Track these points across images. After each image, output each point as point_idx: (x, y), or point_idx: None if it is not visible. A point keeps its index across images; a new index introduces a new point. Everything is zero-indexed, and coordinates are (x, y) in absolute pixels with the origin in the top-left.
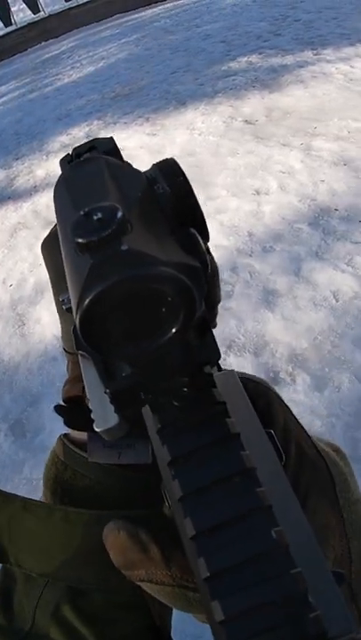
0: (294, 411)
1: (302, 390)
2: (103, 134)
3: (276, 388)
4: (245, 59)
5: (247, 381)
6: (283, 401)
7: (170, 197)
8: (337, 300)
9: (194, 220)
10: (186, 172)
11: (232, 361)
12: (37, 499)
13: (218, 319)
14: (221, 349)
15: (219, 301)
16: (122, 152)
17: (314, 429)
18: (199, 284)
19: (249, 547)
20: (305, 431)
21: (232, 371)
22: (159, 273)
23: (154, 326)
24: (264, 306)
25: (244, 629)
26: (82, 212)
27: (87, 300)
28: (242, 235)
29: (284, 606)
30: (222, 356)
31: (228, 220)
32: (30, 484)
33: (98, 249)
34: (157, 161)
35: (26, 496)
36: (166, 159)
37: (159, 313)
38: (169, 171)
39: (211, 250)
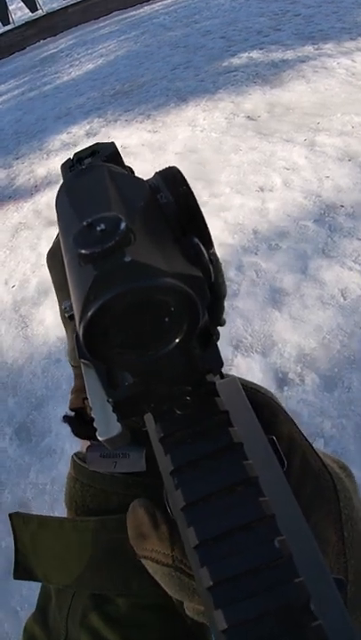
0: (304, 412)
1: (312, 391)
2: (104, 132)
3: (285, 389)
4: (246, 54)
5: (251, 391)
6: (287, 412)
7: (173, 207)
8: (345, 299)
9: (196, 229)
10: (188, 171)
11: (240, 361)
12: (44, 501)
13: (225, 319)
14: (229, 349)
15: (224, 296)
16: (123, 150)
17: (324, 431)
18: (202, 295)
19: (252, 556)
20: (310, 444)
21: (234, 378)
22: (162, 284)
23: (157, 336)
24: (271, 305)
25: (247, 638)
26: (85, 223)
27: (90, 312)
28: (247, 232)
29: (286, 615)
30: (230, 356)
31: (232, 218)
32: (37, 488)
33: (101, 260)
34: (160, 170)
35: (32, 500)
36: (169, 168)
37: (162, 323)
38: (172, 180)
39: (215, 247)
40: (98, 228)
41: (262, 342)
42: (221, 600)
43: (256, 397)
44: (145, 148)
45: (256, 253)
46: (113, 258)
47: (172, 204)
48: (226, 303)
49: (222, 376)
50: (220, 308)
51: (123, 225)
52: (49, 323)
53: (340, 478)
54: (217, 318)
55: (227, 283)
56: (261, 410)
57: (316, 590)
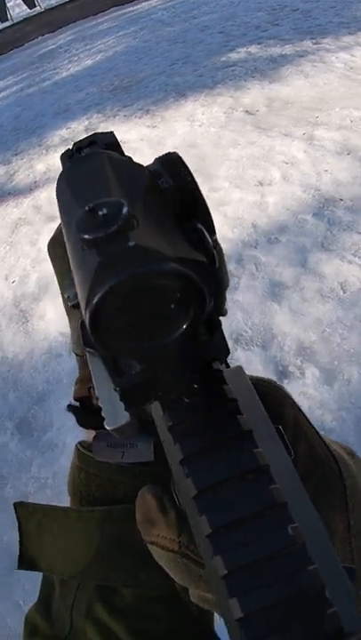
0: (304, 405)
1: (312, 384)
2: (103, 127)
3: (286, 382)
4: (244, 49)
5: (256, 380)
6: (293, 399)
7: (175, 191)
8: (345, 292)
9: (199, 214)
10: (187, 165)
11: (240, 355)
12: (45, 495)
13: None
14: (229, 343)
15: (227, 285)
16: (122, 145)
17: (325, 424)
18: (208, 280)
19: (266, 544)
20: (316, 431)
21: (240, 367)
22: (168, 269)
23: (163, 323)
24: (271, 298)
25: (262, 627)
26: (86, 208)
27: (96, 297)
28: (246, 226)
29: (301, 603)
30: (230, 349)
31: (231, 212)
32: (38, 482)
33: (105, 245)
34: (160, 155)
35: (34, 494)
36: (169, 153)
37: (169, 309)
38: (173, 165)
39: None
40: (100, 213)
41: (262, 335)
42: (236, 588)
43: (261, 386)
44: (144, 142)
45: (255, 247)
46: (117, 242)
47: (174, 188)
48: (227, 297)
49: (227, 365)
50: (223, 298)
51: (125, 209)
52: (49, 318)
53: (346, 464)
54: (219, 308)
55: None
56: (265, 397)
57: (328, 579)
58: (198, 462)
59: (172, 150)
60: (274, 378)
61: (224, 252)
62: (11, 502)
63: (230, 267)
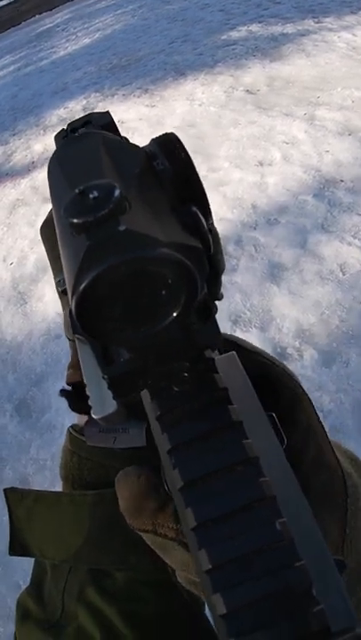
0: (302, 386)
1: (310, 366)
2: (101, 107)
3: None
4: (245, 27)
5: (271, 367)
6: (308, 398)
7: (170, 174)
8: (344, 274)
9: (195, 197)
10: (187, 145)
11: (238, 336)
12: (44, 477)
13: (223, 293)
14: (227, 325)
15: (223, 270)
16: (121, 125)
17: (323, 406)
18: (200, 266)
19: (252, 539)
20: (327, 435)
21: (233, 354)
22: (159, 255)
23: (154, 310)
24: (270, 280)
25: (246, 623)
26: (77, 191)
27: (83, 284)
28: (246, 207)
29: (286, 600)
30: (228, 331)
31: (231, 193)
32: (37, 463)
33: (94, 229)
34: (156, 136)
35: (33, 476)
36: (166, 133)
37: (159, 296)
38: (169, 146)
39: (214, 222)
40: (90, 196)
41: (261, 317)
42: (220, 584)
43: (277, 375)
44: (143, 122)
45: (255, 228)
46: (106, 227)
47: (169, 170)
48: (224, 278)
49: (221, 352)
50: (218, 283)
51: (117, 192)
52: (48, 299)
53: (349, 473)
54: (215, 293)
55: (225, 257)
56: (283, 390)
57: (317, 572)
58: (186, 453)
59: (171, 130)
60: None
61: (223, 233)
62: (10, 484)
63: (229, 248)
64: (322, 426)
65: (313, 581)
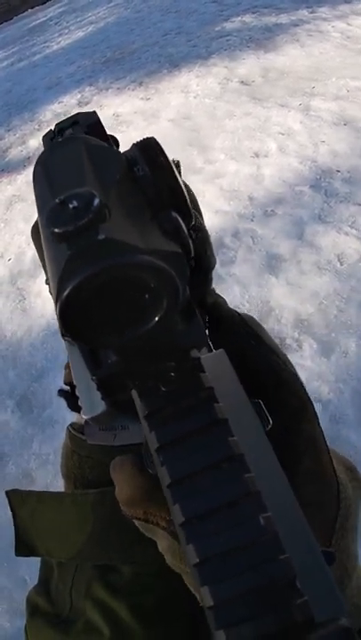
0: (302, 377)
1: (309, 356)
2: (96, 100)
3: None
4: (239, 18)
5: (282, 370)
6: (311, 402)
7: (150, 180)
8: (341, 264)
9: (175, 203)
10: (182, 137)
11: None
12: (47, 471)
13: (222, 286)
14: None
15: (213, 268)
16: (116, 118)
17: (322, 396)
18: (181, 270)
19: (237, 534)
20: (327, 444)
21: (222, 351)
22: (138, 261)
23: (136, 314)
24: (268, 271)
25: (233, 615)
26: (57, 200)
27: (65, 292)
28: (242, 199)
29: (270, 593)
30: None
31: (227, 185)
32: (40, 458)
33: (74, 239)
34: (137, 140)
35: (36, 470)
36: (147, 138)
37: (141, 300)
38: (149, 151)
39: (212, 215)
40: (70, 206)
41: (259, 309)
42: (207, 578)
43: (287, 379)
44: (138, 115)
45: (252, 220)
46: (86, 236)
47: (149, 176)
48: (223, 270)
49: (210, 349)
50: (208, 281)
51: (96, 201)
52: (47, 295)
53: (344, 485)
54: (205, 290)
55: (223, 250)
56: (290, 397)
57: (304, 565)
58: (173, 451)
59: (166, 126)
60: None
61: (220, 225)
62: (14, 480)
63: (227, 240)
64: (323, 434)
65: (298, 573)
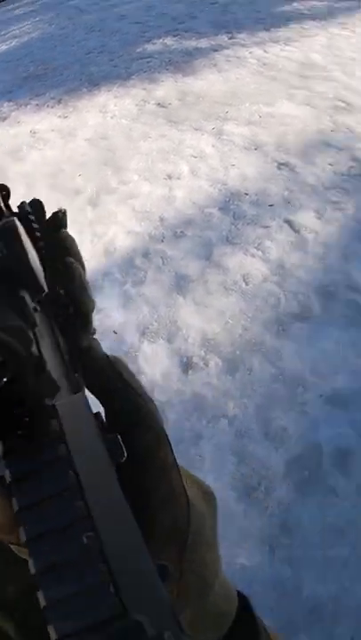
0: (208, 394)
1: (215, 374)
2: (14, 116)
3: (190, 373)
4: (160, 40)
5: (142, 406)
6: (165, 431)
7: (6, 262)
8: (247, 284)
9: (26, 284)
10: (98, 157)
11: (146, 348)
12: None
13: (132, 306)
14: (135, 336)
15: (92, 311)
16: (33, 135)
17: (227, 412)
18: (24, 342)
19: (64, 551)
20: (178, 467)
21: (78, 395)
22: None
23: None
24: (176, 291)
25: (60, 617)
26: None
27: None
28: (154, 220)
29: (85, 597)
30: (136, 343)
31: (140, 206)
32: None
33: None
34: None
35: None
36: (8, 221)
37: None
38: (8, 235)
39: (124, 235)
40: None
41: (168, 328)
42: (42, 585)
43: (145, 415)
44: (55, 133)
45: (162, 241)
46: None
47: (6, 258)
48: (133, 290)
49: (79, 390)
50: (88, 322)
51: None
52: None
53: (193, 504)
54: (87, 330)
55: (133, 270)
56: (146, 431)
57: (138, 581)
58: (23, 485)
59: (82, 145)
60: (178, 369)
61: (132, 245)
62: None
63: (137, 261)
64: (175, 459)
65: (133, 587)
